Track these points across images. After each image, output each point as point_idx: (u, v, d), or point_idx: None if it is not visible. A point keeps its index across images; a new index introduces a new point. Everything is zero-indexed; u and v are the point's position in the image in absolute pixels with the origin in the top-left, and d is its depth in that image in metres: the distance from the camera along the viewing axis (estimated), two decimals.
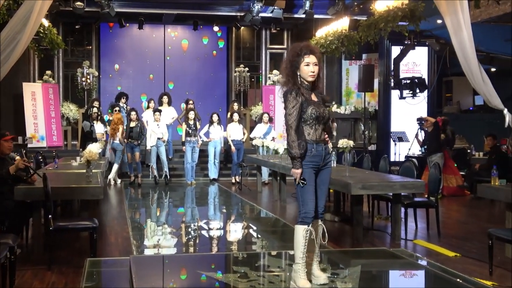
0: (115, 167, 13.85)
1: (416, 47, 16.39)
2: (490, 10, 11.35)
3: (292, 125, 4.27)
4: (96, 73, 17.46)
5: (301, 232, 4.22)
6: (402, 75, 15.52)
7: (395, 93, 16.12)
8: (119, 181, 14.00)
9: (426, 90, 15.38)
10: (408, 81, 14.50)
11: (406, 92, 14.47)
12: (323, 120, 4.36)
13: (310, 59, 4.34)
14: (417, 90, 14.53)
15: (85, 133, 13.44)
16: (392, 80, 14.42)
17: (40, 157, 10.18)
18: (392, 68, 14.64)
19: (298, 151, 4.22)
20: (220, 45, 18.62)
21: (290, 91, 4.30)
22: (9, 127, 14.54)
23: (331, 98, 18.10)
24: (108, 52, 17.96)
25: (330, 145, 4.48)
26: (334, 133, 4.35)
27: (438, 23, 12.83)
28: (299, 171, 4.22)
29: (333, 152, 4.52)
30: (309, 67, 4.33)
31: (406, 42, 14.00)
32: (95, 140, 12.59)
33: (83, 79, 16.96)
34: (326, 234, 4.48)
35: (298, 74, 4.36)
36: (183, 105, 16.23)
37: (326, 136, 4.42)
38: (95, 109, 13.94)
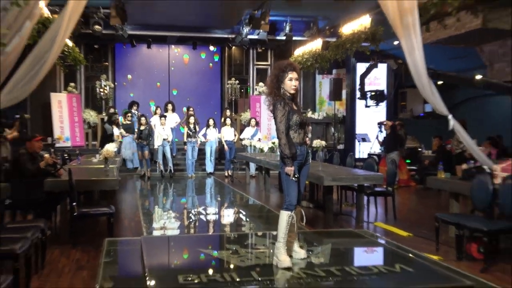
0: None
1: (378, 64, 16.49)
2: (438, 33, 11.41)
3: (283, 130, 4.26)
4: (112, 85, 17.39)
5: (285, 217, 4.23)
6: (366, 88, 15.63)
7: (360, 102, 16.21)
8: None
9: (385, 100, 15.48)
10: (373, 93, 14.59)
11: (370, 102, 14.55)
12: (304, 125, 4.37)
13: (293, 75, 4.33)
14: (379, 101, 14.64)
15: (106, 134, 13.36)
16: (359, 93, 14.48)
17: (65, 155, 10.14)
18: (359, 83, 14.69)
19: (290, 152, 4.23)
20: (215, 59, 18.56)
21: (278, 102, 4.28)
22: (39, 130, 14.47)
23: (307, 107, 18.19)
24: (122, 67, 17.88)
25: (308, 143, 4.50)
26: (309, 135, 4.32)
27: (395, 44, 12.91)
28: (293, 168, 4.23)
29: (310, 152, 4.51)
30: (292, 82, 4.32)
31: (371, 62, 14.05)
32: (112, 140, 12.58)
33: (101, 90, 16.92)
34: (304, 218, 4.51)
35: (282, 87, 4.35)
36: (185, 109, 16.21)
37: (307, 139, 4.44)
38: (116, 116, 13.98)
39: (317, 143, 11.13)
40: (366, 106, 14.74)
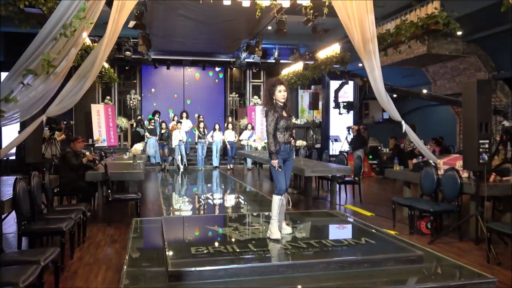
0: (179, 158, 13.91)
1: (348, 82, 16.52)
2: (393, 57, 11.45)
3: (271, 132, 4.23)
4: (139, 97, 17.32)
5: (276, 200, 4.20)
6: (339, 100, 15.72)
7: (333, 110, 16.23)
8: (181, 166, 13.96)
9: (353, 109, 15.50)
10: (344, 104, 14.61)
11: (343, 110, 14.57)
12: (289, 129, 4.32)
13: (281, 87, 4.28)
14: (349, 109, 14.68)
15: (140, 135, 13.35)
16: (334, 103, 14.46)
17: (102, 153, 10.08)
18: (333, 96, 14.66)
19: (274, 148, 4.21)
20: (220, 76, 18.48)
21: (269, 110, 4.25)
22: (82, 133, 14.36)
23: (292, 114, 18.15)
24: (147, 83, 17.79)
25: (293, 143, 4.45)
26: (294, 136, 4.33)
27: (360, 66, 12.92)
28: (276, 161, 4.20)
29: (293, 149, 4.46)
30: (281, 93, 4.27)
31: (342, 80, 14.05)
32: (143, 140, 12.64)
33: (131, 101, 16.85)
34: (290, 201, 4.48)
35: (274, 98, 4.31)
36: (196, 116, 16.16)
37: (291, 139, 4.39)
38: (147, 122, 13.98)
39: (299, 142, 11.13)
40: (340, 113, 14.73)
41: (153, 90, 17.79)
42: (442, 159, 6.60)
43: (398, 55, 11.19)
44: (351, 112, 15.15)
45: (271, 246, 3.88)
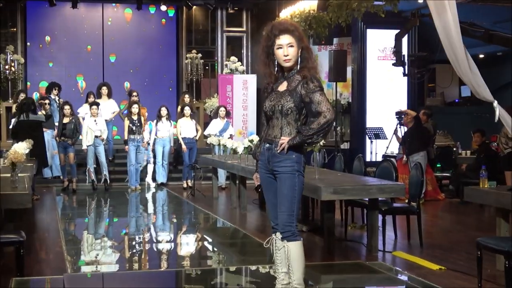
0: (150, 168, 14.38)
1: (395, 30, 16.64)
2: None
3: (263, 122, 4.32)
4: (22, 60, 17.23)
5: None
6: (377, 64, 15.70)
7: (371, 82, 16.28)
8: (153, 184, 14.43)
9: (427, 69, 15.57)
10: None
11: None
12: (273, 115, 4.33)
13: (283, 40, 4.27)
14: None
15: (31, 129, 12.78)
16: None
17: None
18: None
19: (253, 151, 4.31)
20: (170, 14, 18.47)
21: (265, 85, 4.35)
22: None
23: None
24: (36, 34, 17.73)
25: (281, 142, 4.38)
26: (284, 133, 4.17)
27: (420, 2, 13.00)
28: (255, 174, 4.31)
29: (279, 153, 4.43)
30: (282, 50, 4.28)
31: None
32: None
33: (7, 67, 16.75)
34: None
35: (274, 58, 4.33)
36: (127, 91, 16.15)
37: (283, 137, 4.35)
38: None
39: None
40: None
41: (48, 38, 17.79)
42: None
43: None
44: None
45: None
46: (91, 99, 14.83)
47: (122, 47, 18.33)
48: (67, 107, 13.76)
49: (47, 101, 14.18)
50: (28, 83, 17.73)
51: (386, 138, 15.34)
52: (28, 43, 17.69)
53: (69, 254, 7.92)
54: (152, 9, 18.33)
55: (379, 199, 8.12)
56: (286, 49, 4.25)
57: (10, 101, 15.88)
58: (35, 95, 17.27)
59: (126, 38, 18.38)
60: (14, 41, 17.38)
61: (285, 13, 14.90)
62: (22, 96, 14.75)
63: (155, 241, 9.32)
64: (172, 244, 9.26)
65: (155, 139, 14.41)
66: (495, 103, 6.78)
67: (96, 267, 7.61)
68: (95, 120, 13.84)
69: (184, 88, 18.02)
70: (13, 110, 14.83)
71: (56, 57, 17.95)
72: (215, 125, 14.82)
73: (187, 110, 14.54)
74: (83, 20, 17.99)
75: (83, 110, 14.52)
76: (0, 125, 16.01)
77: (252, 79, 17.37)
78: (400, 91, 16.82)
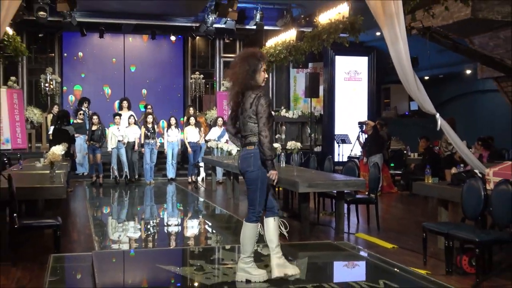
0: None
1: (357, 57, 16.75)
2: (425, 22, 11.57)
3: (270, 128, 4.35)
4: (59, 79, 17.16)
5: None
6: (343, 83, 15.85)
7: (339, 98, 16.38)
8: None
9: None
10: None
11: None
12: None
13: (265, 65, 4.37)
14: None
15: (67, 136, 12.63)
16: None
17: (5, 159, 9.93)
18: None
19: (271, 153, 4.34)
20: (177, 48, 18.47)
21: (264, 95, 4.35)
22: None
23: (280, 104, 18.27)
24: (70, 58, 17.66)
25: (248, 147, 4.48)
26: (261, 137, 4.10)
27: (378, 35, 13.04)
28: (275, 172, 4.42)
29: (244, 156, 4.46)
30: (264, 73, 4.35)
31: None
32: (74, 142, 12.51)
33: (46, 84, 16.67)
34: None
35: (256, 78, 4.36)
36: (143, 105, 16.11)
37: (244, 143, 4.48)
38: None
39: (291, 145, 11.18)
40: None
41: (80, 54, 17.78)
42: (492, 168, 6.70)
43: (432, 20, 11.32)
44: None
45: None
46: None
47: (140, 61, 18.26)
48: (95, 117, 13.73)
49: (81, 112, 14.16)
50: (65, 88, 17.62)
51: (351, 143, 15.38)
52: (65, 54, 17.60)
53: (96, 235, 7.91)
54: (163, 44, 18.33)
55: (345, 191, 8.15)
56: (265, 72, 4.34)
57: (53, 111, 15.80)
58: (70, 97, 17.51)
59: (143, 55, 18.32)
60: (52, 64, 17.30)
61: (270, 43, 14.87)
62: (56, 108, 14.75)
63: (165, 224, 9.31)
64: (179, 227, 9.25)
65: (168, 143, 14.42)
66: (437, 115, 6.80)
67: (119, 245, 7.60)
68: (118, 128, 13.82)
69: (189, 102, 18.01)
70: (50, 119, 14.80)
71: (88, 68, 17.89)
72: (214, 132, 14.82)
73: (192, 120, 14.53)
74: (108, 45, 17.93)
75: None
76: (41, 131, 15.91)
77: None
78: (362, 105, 16.97)
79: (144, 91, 18.03)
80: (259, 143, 4.35)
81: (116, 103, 17.38)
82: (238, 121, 4.54)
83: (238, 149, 11.89)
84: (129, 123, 13.98)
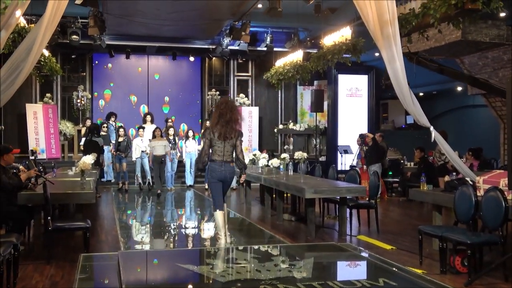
0: None
1: (358, 75, 16.71)
2: (419, 44, 11.57)
3: None
4: (89, 95, 17.27)
5: None
6: (345, 99, 15.80)
7: (341, 113, 16.36)
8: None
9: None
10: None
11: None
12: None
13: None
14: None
15: (97, 147, 12.57)
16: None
17: (41, 168, 9.98)
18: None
19: None
20: (196, 68, 18.41)
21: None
22: (14, 142, 14.27)
23: (288, 118, 18.29)
24: (99, 76, 17.74)
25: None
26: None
27: (376, 55, 13.03)
28: None
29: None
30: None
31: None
32: (102, 152, 12.65)
33: (78, 100, 16.78)
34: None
35: None
36: (165, 118, 16.09)
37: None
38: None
39: (298, 155, 11.16)
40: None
41: (110, 65, 17.77)
42: (481, 176, 6.66)
43: (425, 42, 11.31)
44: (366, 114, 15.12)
45: None
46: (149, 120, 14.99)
47: (163, 71, 18.24)
48: (121, 130, 13.81)
49: (105, 125, 14.21)
50: (95, 93, 17.58)
51: (352, 153, 15.32)
52: (96, 61, 17.61)
53: (122, 236, 7.93)
54: (182, 65, 18.34)
55: (347, 197, 8.12)
56: None
57: (80, 125, 15.88)
58: (101, 102, 17.54)
59: (165, 69, 18.28)
60: (83, 82, 17.41)
61: (279, 63, 14.90)
62: (88, 122, 14.83)
63: (184, 227, 9.31)
64: (196, 229, 9.24)
65: (187, 153, 14.40)
66: (431, 128, 6.77)
67: (142, 246, 7.60)
68: (141, 140, 13.84)
69: (206, 116, 18.04)
70: (82, 132, 14.85)
71: (116, 77, 17.95)
72: None
73: None
74: (134, 64, 17.98)
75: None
76: (73, 142, 16.01)
77: (255, 110, 17.43)
78: (362, 119, 16.91)
79: (166, 98, 18.01)
80: None
81: (142, 108, 17.57)
82: None
83: (250, 158, 11.83)
84: (155, 135, 13.13)
